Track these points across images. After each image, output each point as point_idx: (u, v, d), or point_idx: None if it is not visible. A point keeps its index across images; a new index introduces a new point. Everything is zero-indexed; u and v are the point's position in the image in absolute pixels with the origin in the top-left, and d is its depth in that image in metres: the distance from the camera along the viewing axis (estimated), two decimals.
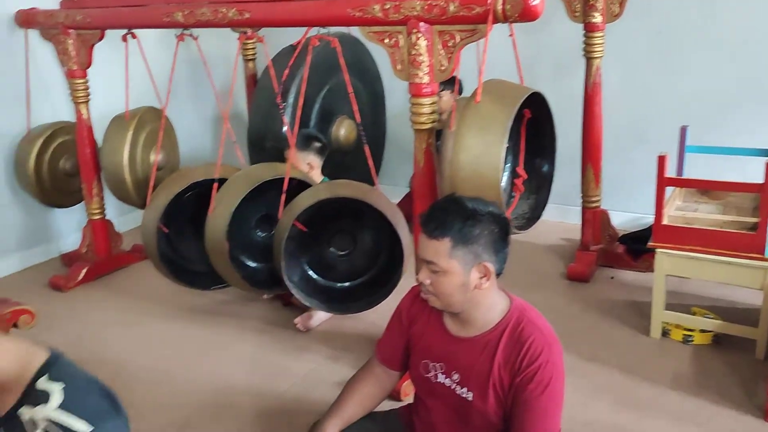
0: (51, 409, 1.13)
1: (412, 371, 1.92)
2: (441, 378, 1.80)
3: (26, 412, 1.15)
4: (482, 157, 2.28)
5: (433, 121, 2.45)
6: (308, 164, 3.24)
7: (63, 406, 1.14)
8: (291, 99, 3.57)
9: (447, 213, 1.67)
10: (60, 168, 3.81)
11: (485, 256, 1.65)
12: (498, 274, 1.71)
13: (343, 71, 2.80)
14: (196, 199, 3.07)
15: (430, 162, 2.50)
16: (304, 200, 2.80)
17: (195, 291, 3.25)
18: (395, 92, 4.33)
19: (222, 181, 2.98)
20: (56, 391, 1.16)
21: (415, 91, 2.41)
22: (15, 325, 2.68)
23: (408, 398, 2.40)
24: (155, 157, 3.40)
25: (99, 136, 3.65)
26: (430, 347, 1.82)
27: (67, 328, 3.18)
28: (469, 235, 1.63)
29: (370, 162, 3.00)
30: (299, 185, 2.91)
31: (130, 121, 3.48)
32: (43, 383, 1.17)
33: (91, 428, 1.14)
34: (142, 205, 3.37)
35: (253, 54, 4.32)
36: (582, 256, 3.50)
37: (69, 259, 3.89)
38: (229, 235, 2.86)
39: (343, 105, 3.86)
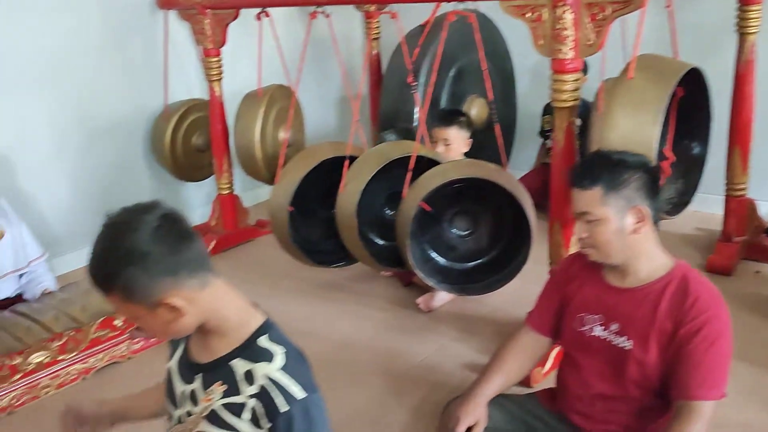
0: (274, 369, 1.18)
1: (565, 330, 1.87)
2: (597, 331, 1.76)
3: (242, 365, 1.19)
4: (633, 137, 2.15)
5: (575, 99, 2.35)
6: (445, 141, 3.21)
7: (284, 369, 1.18)
8: (422, 79, 3.54)
9: (594, 164, 1.75)
10: (192, 143, 3.97)
11: (638, 200, 1.66)
12: (655, 222, 1.70)
13: (479, 48, 2.74)
14: (321, 176, 3.10)
15: (570, 141, 2.40)
16: (431, 179, 2.76)
17: (317, 267, 3.30)
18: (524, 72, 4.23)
19: (352, 159, 3.00)
20: (279, 353, 1.21)
21: (558, 67, 2.31)
22: None
23: (538, 385, 2.34)
24: (285, 134, 3.46)
25: (229, 113, 3.77)
26: (587, 301, 1.80)
27: None
28: (619, 180, 1.66)
29: (500, 141, 2.93)
30: (429, 163, 2.87)
31: (261, 98, 3.56)
32: (265, 342, 1.22)
33: (305, 395, 1.18)
34: (270, 181, 3.45)
35: (377, 33, 4.31)
36: (723, 248, 3.27)
37: (199, 232, 4.06)
38: (359, 212, 2.87)
39: (473, 84, 3.79)
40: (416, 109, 3.30)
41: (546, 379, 2.39)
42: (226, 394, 1.20)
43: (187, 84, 4.10)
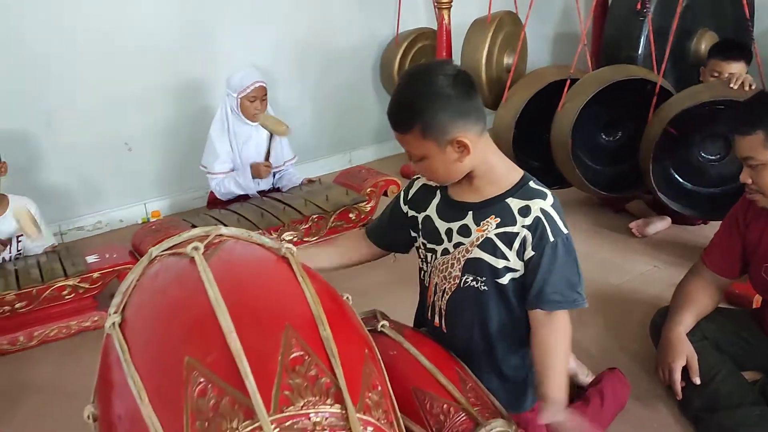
0: (547, 204, 1.47)
1: (754, 277, 1.88)
2: None
3: (517, 202, 1.48)
4: None
5: None
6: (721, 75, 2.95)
7: (553, 206, 1.47)
8: (651, 6, 3.46)
9: (753, 108, 1.72)
10: None
11: None
12: None
13: None
14: (543, 101, 3.20)
15: None
16: (680, 102, 2.75)
17: None
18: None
19: (573, 82, 3.06)
20: (549, 193, 1.49)
21: None
22: (385, 194, 3.16)
23: None
24: (511, 58, 3.58)
25: (454, 43, 3.97)
26: None
27: None
28: None
29: None
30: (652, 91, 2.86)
31: (490, 24, 3.71)
32: (534, 185, 1.51)
33: (567, 231, 1.48)
34: (492, 105, 3.61)
35: None
36: None
37: None
38: (574, 133, 2.95)
39: (704, 17, 3.63)
40: (643, 36, 3.25)
41: None
42: (499, 225, 1.47)
43: (416, 14, 4.38)
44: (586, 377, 2.00)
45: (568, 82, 3.04)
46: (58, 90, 3.33)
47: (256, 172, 3.28)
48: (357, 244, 1.80)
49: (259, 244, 1.39)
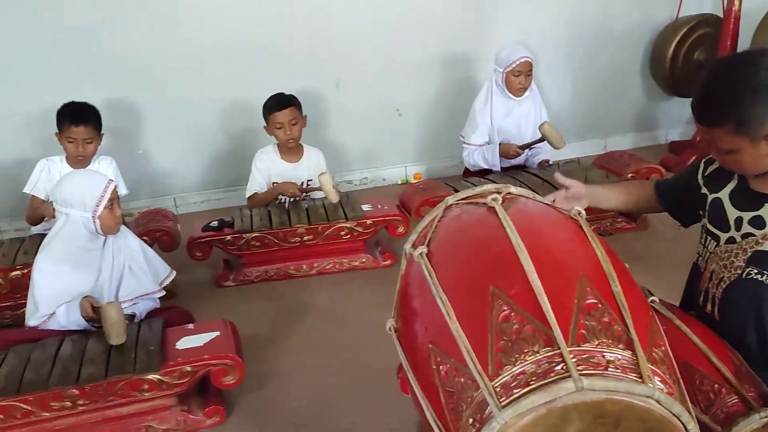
0: None
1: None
2: None
3: None
4: None
5: None
6: None
7: None
8: None
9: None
10: (694, 58, 4.02)
11: None
12: None
13: None
14: None
15: None
16: None
17: None
18: None
19: None
20: None
21: None
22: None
23: None
24: None
25: (741, 31, 3.69)
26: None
27: None
28: None
29: None
30: None
31: None
32: None
33: None
34: None
35: None
36: None
37: (676, 147, 4.17)
38: None
39: None
40: None
41: None
42: None
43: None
44: None
45: None
46: (346, 58, 3.75)
47: (505, 152, 3.38)
48: (644, 193, 1.81)
49: (548, 204, 1.51)
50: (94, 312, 2.07)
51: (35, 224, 2.95)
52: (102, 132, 2.97)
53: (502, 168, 3.42)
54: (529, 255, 1.21)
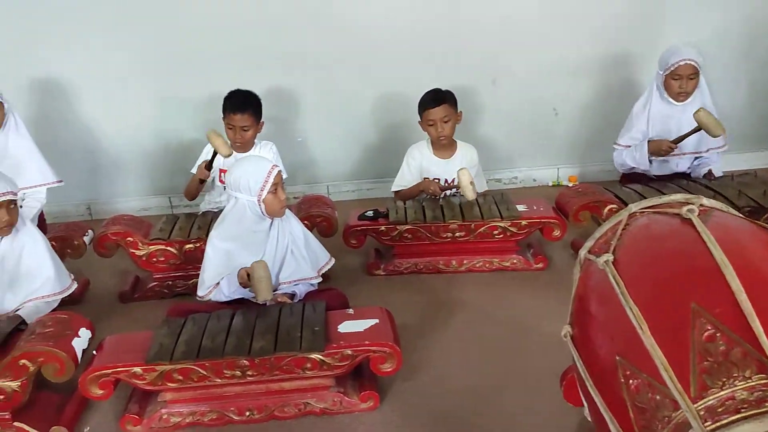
0: None
1: None
2: None
3: None
4: None
5: None
6: None
7: None
8: None
9: None
10: None
11: None
12: None
13: None
14: None
15: None
16: None
17: None
18: None
19: None
20: None
21: None
22: None
23: None
24: None
25: None
26: None
27: None
28: None
29: None
30: None
31: None
32: None
33: None
34: None
35: None
36: None
37: None
38: None
39: None
40: None
41: None
42: None
43: None
44: None
45: None
46: (504, 55, 3.71)
47: (656, 148, 3.19)
48: None
49: (745, 218, 1.41)
50: (248, 279, 2.20)
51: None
52: (262, 120, 3.12)
53: (663, 176, 3.25)
54: (735, 272, 1.14)
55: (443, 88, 3.13)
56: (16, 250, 2.38)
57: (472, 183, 2.87)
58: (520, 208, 2.89)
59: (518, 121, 3.86)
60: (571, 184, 3.75)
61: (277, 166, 2.40)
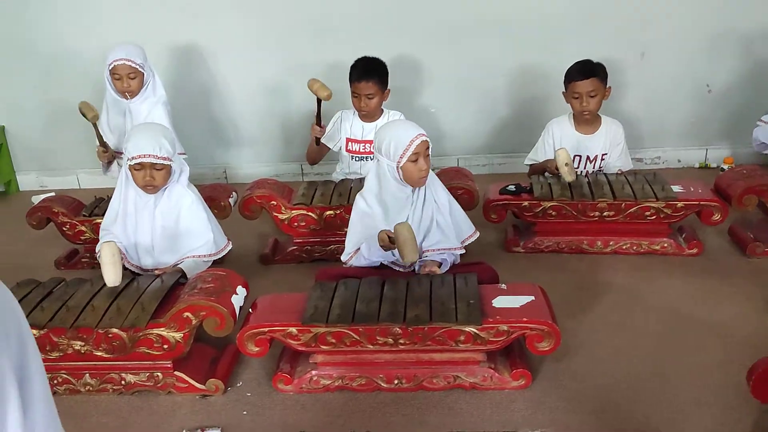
0: None
1: None
2: None
3: None
4: None
5: None
6: None
7: None
8: None
9: None
10: None
11: None
12: None
13: None
14: None
15: None
16: None
17: None
18: None
19: None
20: None
21: None
22: None
23: None
24: None
25: None
26: None
27: None
28: None
29: None
30: None
31: None
32: None
33: None
34: None
35: None
36: None
37: None
38: None
39: None
40: None
41: None
42: None
43: None
44: None
45: None
46: (655, 27, 3.48)
47: None
48: None
49: None
50: (390, 241, 2.16)
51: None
52: (388, 88, 3.07)
53: None
54: None
55: (594, 60, 2.96)
56: (174, 210, 2.46)
57: (567, 164, 2.71)
58: (676, 189, 2.70)
59: (666, 98, 3.63)
60: (726, 167, 3.49)
61: (423, 134, 2.34)
